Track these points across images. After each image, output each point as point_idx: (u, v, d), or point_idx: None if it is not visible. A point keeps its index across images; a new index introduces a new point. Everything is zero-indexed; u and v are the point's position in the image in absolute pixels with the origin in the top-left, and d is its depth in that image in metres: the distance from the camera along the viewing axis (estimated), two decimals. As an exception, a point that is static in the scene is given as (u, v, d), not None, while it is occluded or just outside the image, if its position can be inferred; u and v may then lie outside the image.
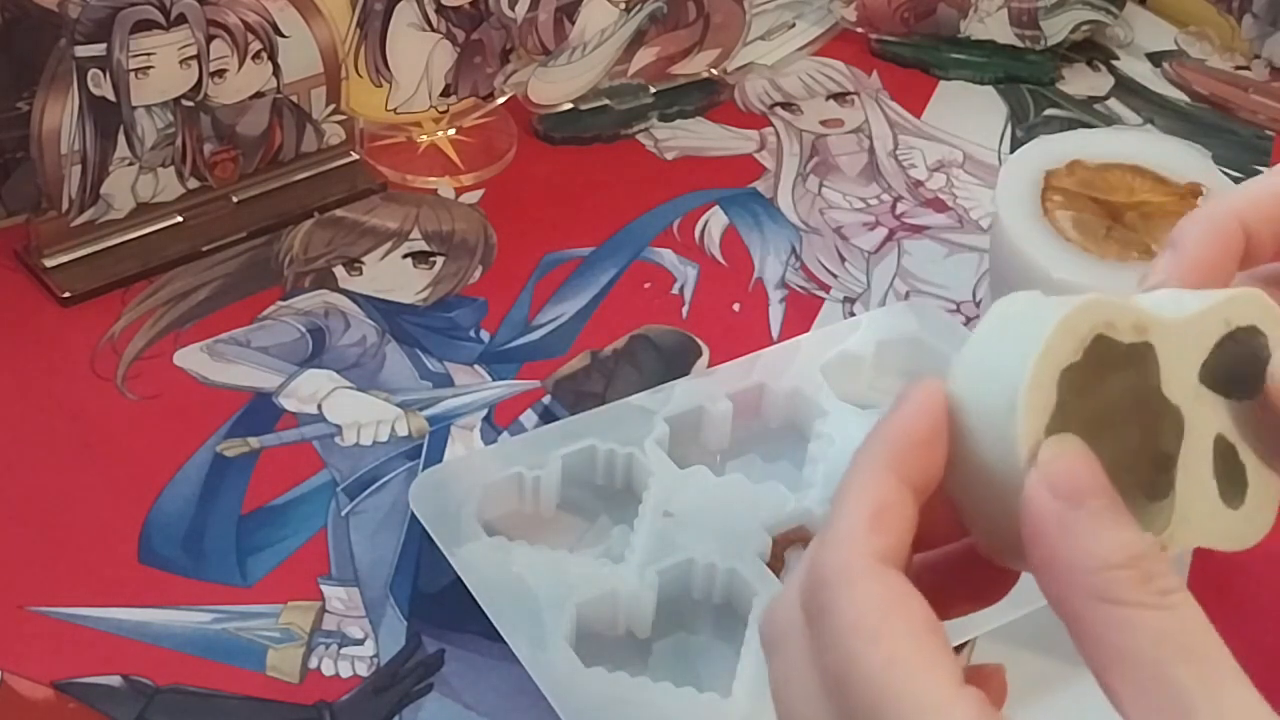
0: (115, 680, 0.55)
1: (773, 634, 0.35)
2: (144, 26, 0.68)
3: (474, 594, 0.56)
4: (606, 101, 0.86)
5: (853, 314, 0.74)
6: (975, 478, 0.35)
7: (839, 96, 0.91)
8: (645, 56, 0.86)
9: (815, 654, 0.33)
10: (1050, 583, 0.33)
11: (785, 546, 0.59)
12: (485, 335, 0.72)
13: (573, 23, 0.82)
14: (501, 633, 0.55)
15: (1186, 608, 0.32)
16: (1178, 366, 0.37)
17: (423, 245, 0.77)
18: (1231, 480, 0.38)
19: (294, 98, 0.75)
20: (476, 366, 0.70)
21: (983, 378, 0.36)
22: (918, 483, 0.35)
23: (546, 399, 0.68)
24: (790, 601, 0.35)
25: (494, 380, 0.69)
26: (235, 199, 0.76)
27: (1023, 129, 0.89)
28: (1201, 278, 0.39)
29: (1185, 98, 0.94)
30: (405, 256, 0.76)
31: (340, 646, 0.57)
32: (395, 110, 0.80)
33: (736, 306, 0.75)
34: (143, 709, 0.54)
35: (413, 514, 0.59)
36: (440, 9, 0.77)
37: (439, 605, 0.59)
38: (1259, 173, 0.86)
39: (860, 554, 0.33)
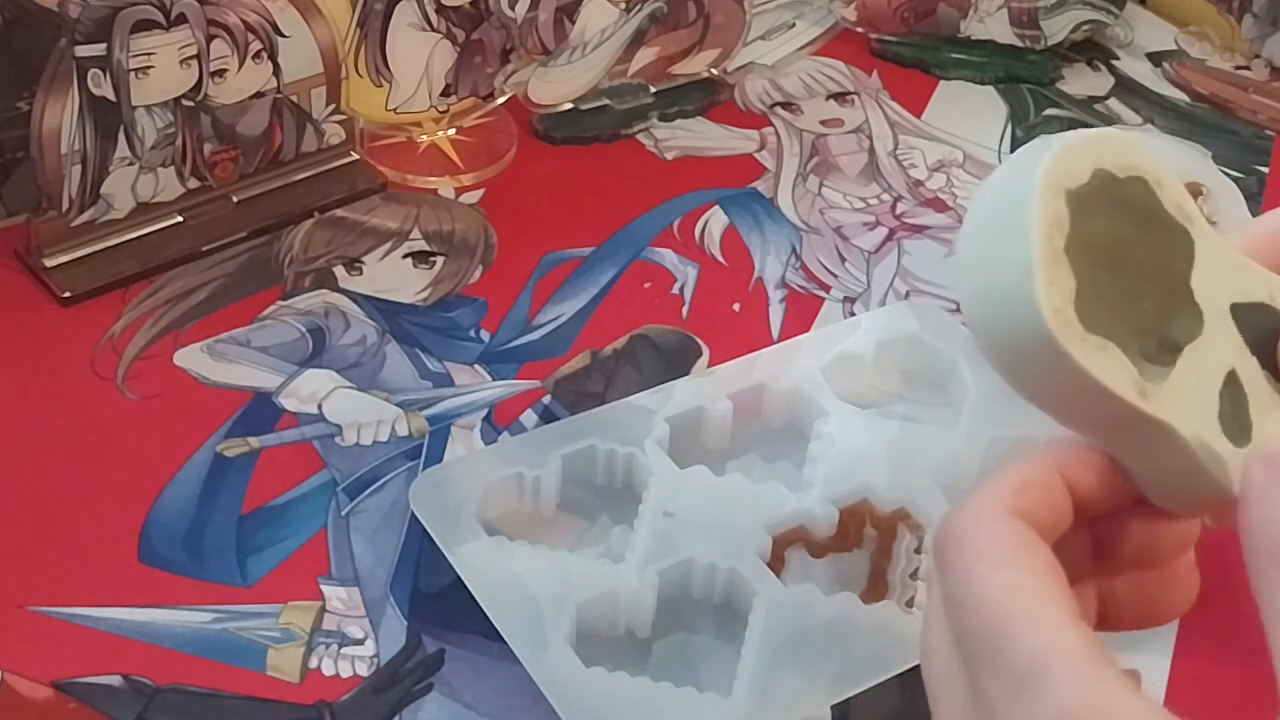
0: (115, 680, 0.55)
1: (927, 576, 0.37)
2: (144, 26, 0.68)
3: (474, 594, 0.56)
4: (606, 101, 0.86)
5: (853, 314, 0.74)
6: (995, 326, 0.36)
7: (839, 96, 0.91)
8: (645, 56, 0.86)
9: (940, 585, 0.35)
10: (1248, 548, 0.34)
11: (785, 546, 0.59)
12: (485, 335, 0.72)
13: (573, 23, 0.82)
14: (501, 633, 0.55)
15: None
16: (1211, 279, 0.37)
17: (423, 245, 0.77)
18: (1236, 421, 0.38)
19: (294, 98, 0.75)
20: (476, 366, 0.70)
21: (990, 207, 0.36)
22: (1074, 476, 0.36)
23: (546, 399, 0.68)
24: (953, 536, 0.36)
25: (494, 380, 0.69)
26: (235, 199, 0.76)
27: (1023, 129, 0.89)
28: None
29: (1185, 98, 0.94)
30: (405, 256, 0.76)
31: (340, 646, 0.57)
32: (395, 110, 0.80)
33: (736, 306, 0.75)
34: (143, 709, 0.54)
35: (413, 514, 0.60)
36: (440, 9, 0.77)
37: (439, 605, 0.59)
38: (1259, 173, 0.87)
39: (996, 503, 0.35)
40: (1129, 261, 0.36)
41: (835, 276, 0.77)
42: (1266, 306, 0.38)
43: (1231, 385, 0.37)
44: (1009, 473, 0.36)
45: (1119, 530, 0.38)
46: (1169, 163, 0.75)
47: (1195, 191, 0.70)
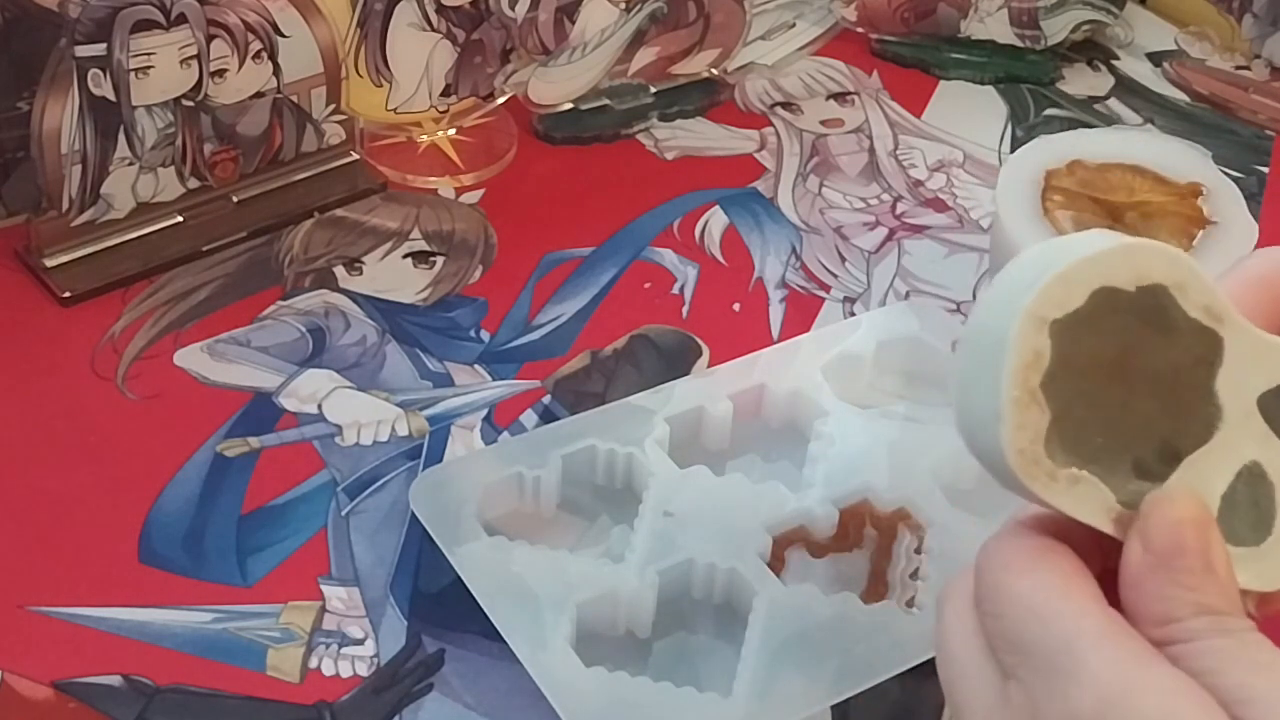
0: (115, 680, 0.55)
1: (943, 595, 0.40)
2: (144, 26, 0.68)
3: (474, 594, 0.56)
4: (607, 101, 0.86)
5: (853, 314, 0.74)
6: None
7: (839, 96, 0.91)
8: (645, 56, 0.86)
9: (976, 598, 0.38)
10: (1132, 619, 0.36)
11: (785, 546, 0.59)
12: (485, 335, 0.72)
13: (573, 23, 0.82)
14: (501, 633, 0.55)
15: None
16: (1240, 374, 0.37)
17: (423, 245, 0.77)
18: (1253, 514, 0.38)
19: (294, 98, 0.75)
20: (476, 366, 0.70)
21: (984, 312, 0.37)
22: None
23: (546, 399, 0.68)
24: (962, 573, 0.40)
25: (494, 380, 0.69)
26: (235, 199, 0.76)
27: (1023, 129, 0.89)
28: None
29: (1185, 98, 0.94)
30: (405, 256, 0.76)
31: (340, 646, 0.57)
32: (395, 110, 0.80)
33: (736, 306, 0.75)
34: (143, 709, 0.54)
35: (413, 514, 0.60)
36: (440, 9, 0.77)
37: (439, 605, 0.59)
38: (1259, 173, 0.86)
39: (1019, 522, 0.38)
40: (1131, 372, 0.36)
41: (835, 276, 0.77)
42: None
43: (1250, 480, 0.37)
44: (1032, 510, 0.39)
45: None
46: (1169, 162, 0.75)
47: (1195, 192, 0.70)
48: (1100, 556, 0.38)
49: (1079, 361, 0.35)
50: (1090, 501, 0.36)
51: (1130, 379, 0.36)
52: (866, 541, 0.61)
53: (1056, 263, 0.35)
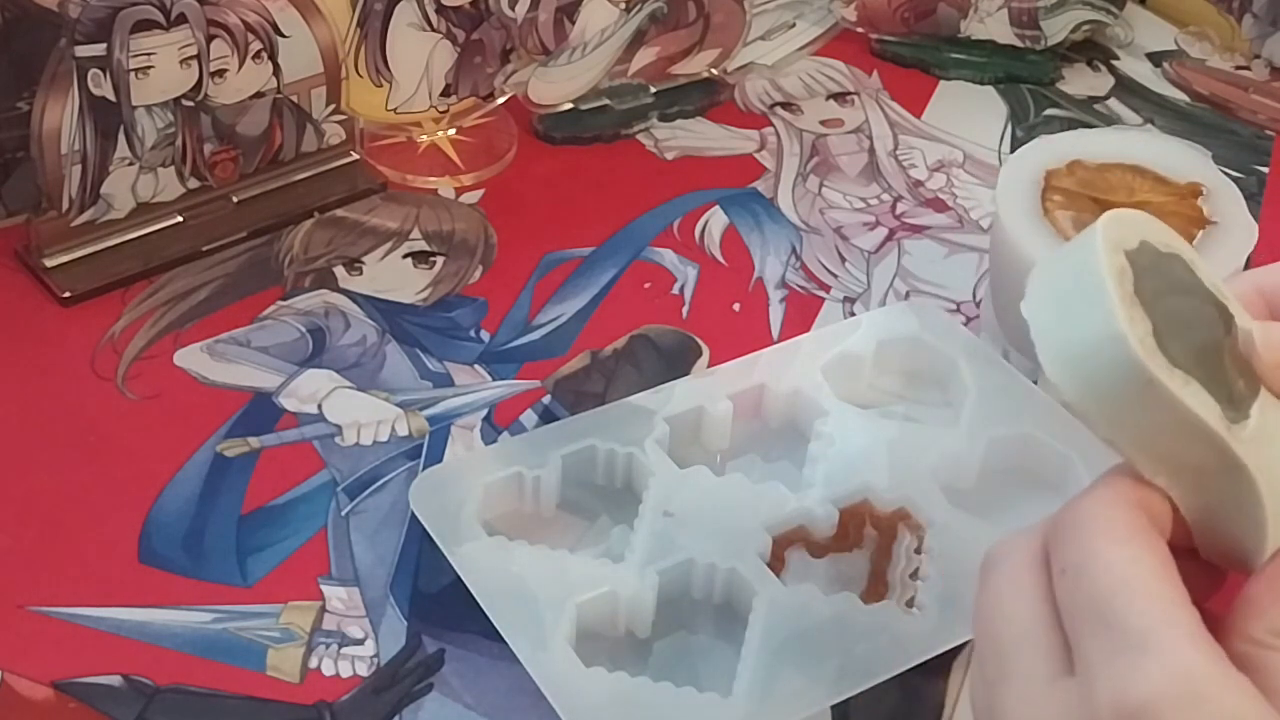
0: (115, 680, 0.55)
1: (996, 555, 0.39)
2: (144, 26, 0.68)
3: (474, 594, 0.56)
4: (606, 101, 0.86)
5: (853, 314, 0.74)
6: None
7: (839, 96, 0.91)
8: (645, 56, 0.86)
9: (1049, 558, 0.37)
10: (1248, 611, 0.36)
11: (785, 546, 0.59)
12: (485, 335, 0.72)
13: (573, 23, 0.82)
14: (501, 633, 0.55)
15: None
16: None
17: (423, 245, 0.77)
18: None
19: (294, 98, 0.75)
20: (476, 366, 0.70)
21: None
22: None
23: (546, 399, 0.68)
24: (1019, 534, 0.38)
25: (494, 380, 0.69)
26: (235, 199, 0.76)
27: (1023, 129, 0.89)
28: None
29: (1185, 98, 0.94)
30: (405, 256, 0.76)
31: (340, 646, 0.57)
32: (395, 110, 0.80)
33: (736, 306, 0.75)
34: (143, 709, 0.54)
35: (413, 514, 0.60)
36: (440, 9, 0.77)
37: (439, 605, 0.59)
38: (1259, 173, 0.86)
39: (1118, 493, 0.37)
40: (1186, 320, 0.37)
41: (835, 276, 0.77)
42: None
43: None
44: (1122, 471, 0.38)
45: None
46: (1169, 163, 0.75)
47: (1195, 192, 0.70)
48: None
49: (1150, 293, 0.36)
50: (1207, 403, 0.36)
51: (1186, 323, 0.37)
52: (866, 541, 0.61)
53: (1104, 216, 0.37)
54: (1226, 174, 0.72)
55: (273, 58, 0.73)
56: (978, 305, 0.75)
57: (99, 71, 0.67)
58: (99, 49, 0.67)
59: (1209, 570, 0.39)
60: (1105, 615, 0.35)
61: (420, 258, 0.76)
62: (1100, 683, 0.34)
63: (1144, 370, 0.35)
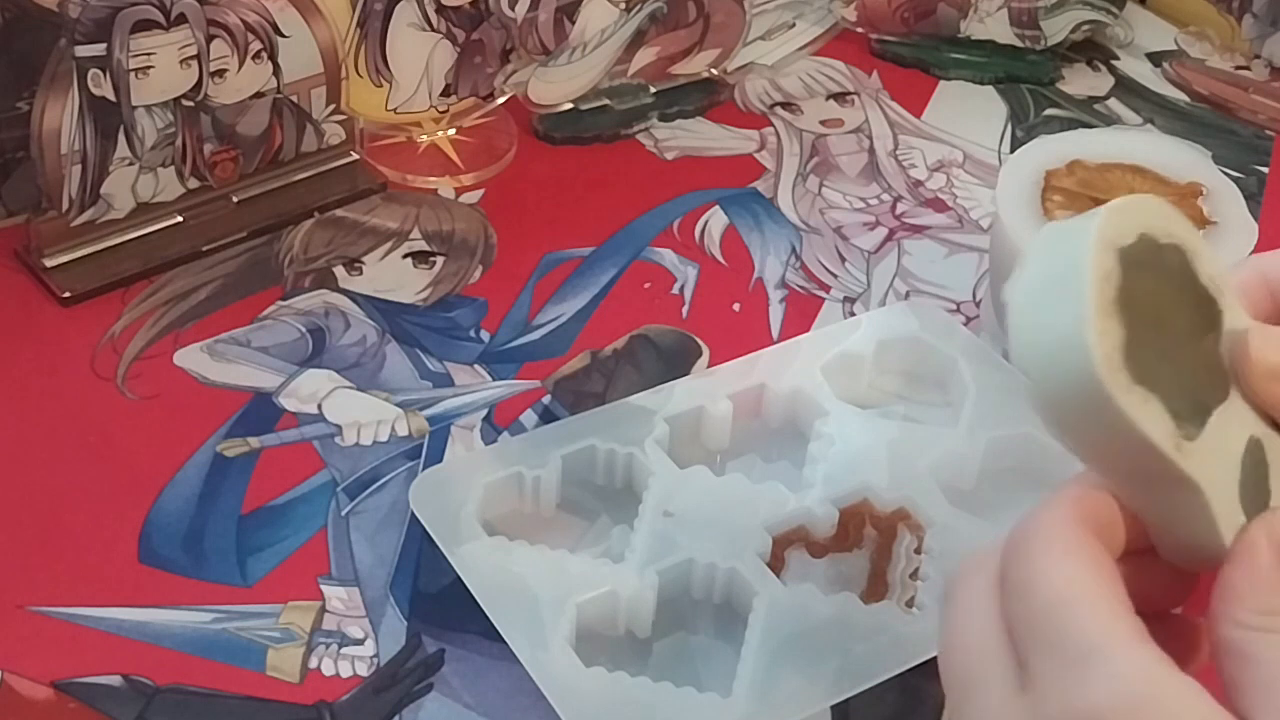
0: (115, 680, 0.55)
1: (957, 576, 0.40)
2: (144, 26, 0.68)
3: (474, 594, 0.56)
4: (606, 101, 0.86)
5: (853, 314, 0.74)
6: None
7: (839, 96, 0.91)
8: (645, 56, 0.86)
9: (999, 580, 0.38)
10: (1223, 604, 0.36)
11: (785, 546, 0.59)
12: (485, 335, 0.72)
13: (573, 23, 0.82)
14: (501, 633, 0.55)
15: None
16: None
17: (423, 245, 0.77)
18: (1255, 490, 0.38)
19: (294, 98, 0.75)
20: (476, 366, 0.70)
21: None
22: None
23: (546, 399, 0.68)
24: (979, 554, 0.39)
25: (494, 380, 0.69)
26: (235, 199, 0.76)
27: (1023, 129, 0.89)
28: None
29: (1185, 98, 0.94)
30: (405, 256, 0.76)
31: (340, 646, 0.57)
32: (395, 110, 0.80)
33: (736, 306, 0.75)
34: (143, 709, 0.54)
35: (413, 514, 0.60)
36: (440, 9, 0.77)
37: (439, 605, 0.59)
38: (1259, 173, 0.86)
39: (1059, 510, 0.37)
40: (1168, 322, 0.37)
41: (835, 276, 0.77)
42: None
43: (1253, 453, 0.38)
44: (1069, 487, 0.38)
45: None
46: (1169, 163, 0.75)
47: (1195, 192, 0.70)
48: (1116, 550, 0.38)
49: (1133, 296, 0.36)
50: (1159, 423, 0.36)
51: (1167, 326, 0.37)
52: (866, 541, 0.60)
53: (1107, 206, 0.37)
54: (1226, 174, 0.72)
55: (273, 58, 0.73)
56: (978, 305, 0.75)
57: (99, 71, 0.67)
58: (99, 49, 0.67)
59: (1179, 571, 0.40)
60: (1048, 632, 0.36)
61: (420, 258, 0.76)
62: (1050, 698, 0.35)
63: (1101, 388, 0.35)
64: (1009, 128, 0.90)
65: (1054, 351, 0.36)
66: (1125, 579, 0.37)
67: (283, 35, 0.73)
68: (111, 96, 0.68)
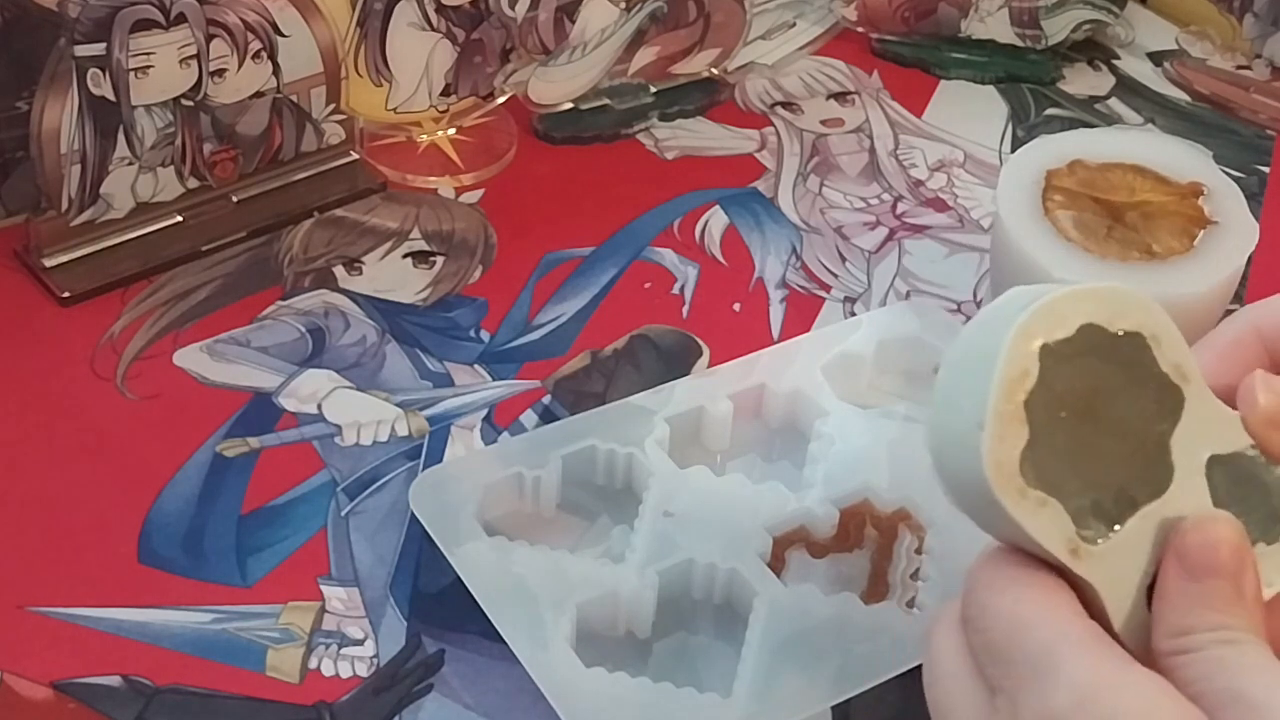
0: (115, 680, 0.55)
1: (932, 619, 0.42)
2: (144, 26, 0.68)
3: (474, 594, 0.56)
4: (607, 101, 0.86)
5: (853, 314, 0.74)
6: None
7: (839, 96, 0.91)
8: (645, 56, 0.86)
9: (963, 617, 0.39)
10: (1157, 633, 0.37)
11: (786, 546, 0.59)
12: (485, 335, 0.72)
13: (573, 22, 0.82)
14: (501, 633, 0.55)
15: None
16: (1194, 435, 0.38)
17: (423, 245, 0.77)
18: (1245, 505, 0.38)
19: (294, 97, 0.75)
20: (476, 366, 0.70)
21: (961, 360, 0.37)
22: None
23: (546, 399, 0.68)
24: (950, 599, 0.41)
25: (494, 380, 0.69)
26: (235, 199, 0.76)
27: (1023, 128, 0.89)
28: (1214, 388, 0.40)
29: (1186, 97, 0.94)
30: (405, 256, 0.76)
31: (340, 647, 0.57)
32: (395, 110, 0.80)
33: (737, 306, 0.75)
34: (142, 709, 0.54)
35: (413, 514, 0.59)
36: (440, 8, 0.77)
37: (439, 605, 0.59)
38: (1260, 172, 0.86)
39: (1006, 551, 0.39)
40: (1102, 415, 0.37)
41: (835, 276, 0.77)
42: (1243, 455, 0.38)
43: (1236, 467, 0.38)
44: None
45: None
46: (1170, 162, 0.75)
47: (1196, 192, 0.70)
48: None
49: (1060, 391, 0.36)
50: (1052, 528, 0.37)
51: (1101, 420, 0.37)
52: (867, 542, 0.60)
53: (1051, 291, 0.37)
54: (1227, 174, 0.72)
55: (272, 57, 0.73)
56: (978, 305, 0.75)
57: (98, 71, 0.67)
58: (98, 48, 0.67)
59: None
60: (1007, 653, 0.37)
61: (420, 258, 0.76)
62: (1020, 714, 0.36)
63: (990, 493, 0.36)
64: (1010, 127, 0.90)
65: (954, 446, 0.37)
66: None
67: (282, 35, 0.73)
68: (111, 96, 0.68)
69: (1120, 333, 0.37)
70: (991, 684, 0.38)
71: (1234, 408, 0.40)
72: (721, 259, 0.77)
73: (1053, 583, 0.38)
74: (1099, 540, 0.37)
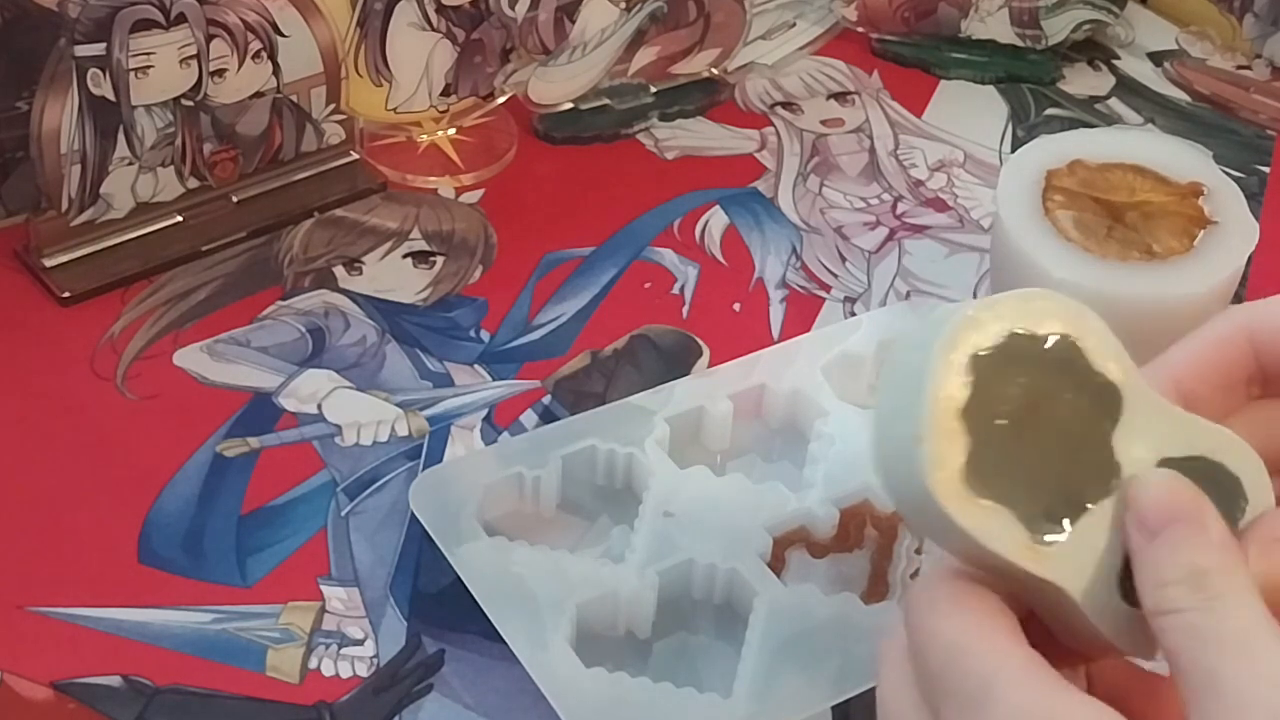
0: (115, 680, 0.55)
1: (880, 650, 0.41)
2: (144, 26, 0.68)
3: (474, 594, 0.56)
4: (607, 101, 0.86)
5: (853, 314, 0.74)
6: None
7: (839, 96, 0.91)
8: (645, 56, 0.86)
9: (908, 645, 0.39)
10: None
11: (786, 546, 0.59)
12: (485, 335, 0.72)
13: (573, 22, 0.82)
14: (501, 633, 0.55)
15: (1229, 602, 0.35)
16: (1140, 434, 0.38)
17: (423, 245, 0.77)
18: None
19: (294, 97, 0.75)
20: (476, 366, 0.70)
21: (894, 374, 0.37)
22: None
23: (546, 399, 0.68)
24: (896, 626, 0.40)
25: (494, 380, 0.69)
26: (235, 199, 0.76)
27: (1024, 129, 0.89)
28: (1195, 385, 0.40)
29: (1186, 97, 0.94)
30: (405, 256, 0.76)
31: (340, 647, 0.57)
32: (395, 110, 0.80)
33: (737, 306, 0.75)
34: (142, 709, 0.54)
35: (413, 514, 0.59)
36: (440, 8, 0.77)
37: (439, 605, 0.59)
38: (1260, 172, 0.86)
39: (942, 570, 0.39)
40: (1040, 419, 0.37)
41: (836, 276, 0.77)
42: (1203, 460, 0.38)
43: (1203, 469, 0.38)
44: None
45: None
46: (1170, 162, 0.75)
47: (1196, 192, 0.70)
48: (1020, 605, 0.38)
49: (996, 400, 0.36)
50: (1005, 535, 0.37)
51: (1042, 425, 0.37)
52: (867, 542, 0.60)
53: (974, 305, 0.37)
54: (1227, 174, 0.72)
55: (272, 57, 0.73)
56: (978, 305, 0.75)
57: (98, 71, 0.67)
58: (98, 49, 0.67)
59: None
60: (948, 682, 0.37)
61: (420, 258, 0.76)
62: None
63: (938, 506, 0.36)
64: (1010, 127, 0.90)
65: (896, 464, 0.37)
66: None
67: (282, 35, 0.73)
68: (111, 96, 0.68)
69: (1047, 337, 0.37)
70: (934, 710, 0.38)
71: (1222, 406, 0.40)
72: (721, 259, 0.77)
73: (995, 606, 0.37)
74: (1055, 541, 0.37)
